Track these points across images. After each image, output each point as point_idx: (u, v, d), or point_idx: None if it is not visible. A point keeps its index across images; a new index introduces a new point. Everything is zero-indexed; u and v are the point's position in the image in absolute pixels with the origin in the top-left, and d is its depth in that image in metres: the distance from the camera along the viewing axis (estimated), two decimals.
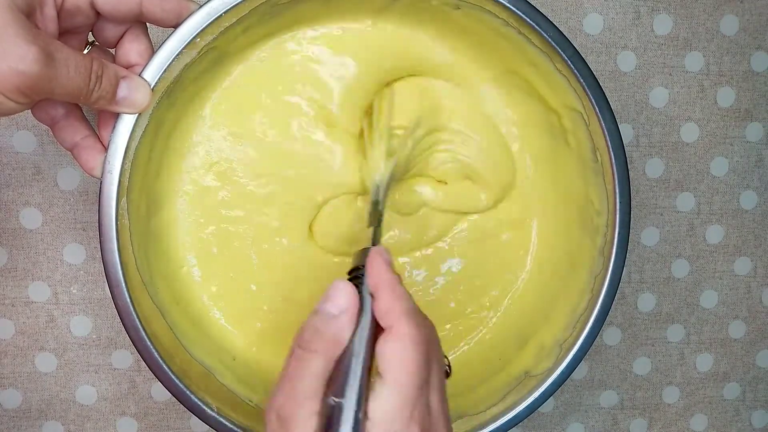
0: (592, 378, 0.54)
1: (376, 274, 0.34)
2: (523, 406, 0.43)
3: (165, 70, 0.36)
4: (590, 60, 0.50)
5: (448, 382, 0.46)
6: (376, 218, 0.41)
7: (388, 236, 0.46)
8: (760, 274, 0.55)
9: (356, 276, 0.36)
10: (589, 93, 0.40)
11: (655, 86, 0.51)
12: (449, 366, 0.38)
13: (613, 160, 0.41)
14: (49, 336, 0.49)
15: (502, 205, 0.47)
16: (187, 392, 0.40)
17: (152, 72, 0.36)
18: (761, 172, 0.54)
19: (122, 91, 0.35)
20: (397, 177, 0.44)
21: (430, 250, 0.47)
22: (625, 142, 0.51)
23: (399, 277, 0.34)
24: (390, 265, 0.35)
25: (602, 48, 0.50)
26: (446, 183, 0.46)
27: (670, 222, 0.53)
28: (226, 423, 0.40)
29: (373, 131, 0.44)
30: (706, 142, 0.52)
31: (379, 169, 0.43)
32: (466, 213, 0.47)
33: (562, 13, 0.49)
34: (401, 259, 0.47)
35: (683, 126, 0.52)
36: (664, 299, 0.54)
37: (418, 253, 0.47)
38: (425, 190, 0.46)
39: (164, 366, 0.39)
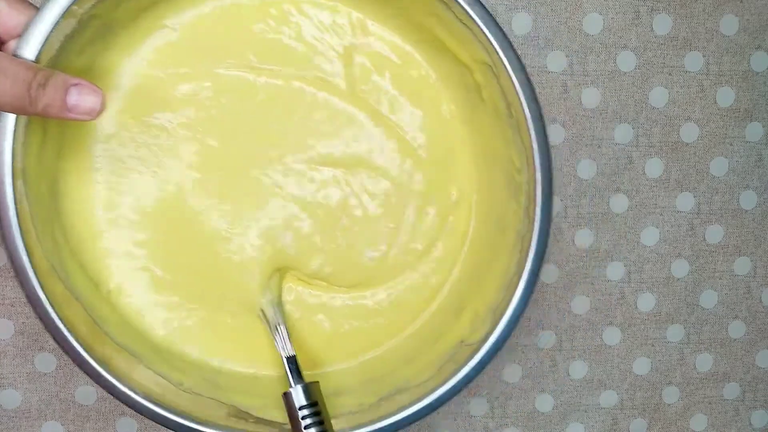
0: (591, 378, 0.54)
1: None
2: (461, 376, 0.40)
3: (44, 43, 0.34)
4: (590, 60, 0.50)
5: (384, 356, 0.45)
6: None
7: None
8: (759, 274, 0.55)
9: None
10: (493, 42, 0.37)
11: (655, 86, 0.51)
12: None
13: (527, 114, 0.39)
14: (49, 336, 0.49)
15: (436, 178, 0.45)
16: (112, 380, 0.38)
17: (32, 45, 0.34)
18: (761, 172, 0.53)
19: (72, 98, 0.33)
20: None
21: None
22: (624, 141, 0.51)
23: None
24: None
25: (602, 48, 0.50)
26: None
27: (670, 222, 0.53)
28: (153, 407, 0.39)
29: None
30: (706, 142, 0.52)
31: None
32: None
33: (562, 13, 0.49)
34: None
35: (683, 126, 0.52)
36: (663, 299, 0.54)
37: None
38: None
39: (85, 354, 0.38)
